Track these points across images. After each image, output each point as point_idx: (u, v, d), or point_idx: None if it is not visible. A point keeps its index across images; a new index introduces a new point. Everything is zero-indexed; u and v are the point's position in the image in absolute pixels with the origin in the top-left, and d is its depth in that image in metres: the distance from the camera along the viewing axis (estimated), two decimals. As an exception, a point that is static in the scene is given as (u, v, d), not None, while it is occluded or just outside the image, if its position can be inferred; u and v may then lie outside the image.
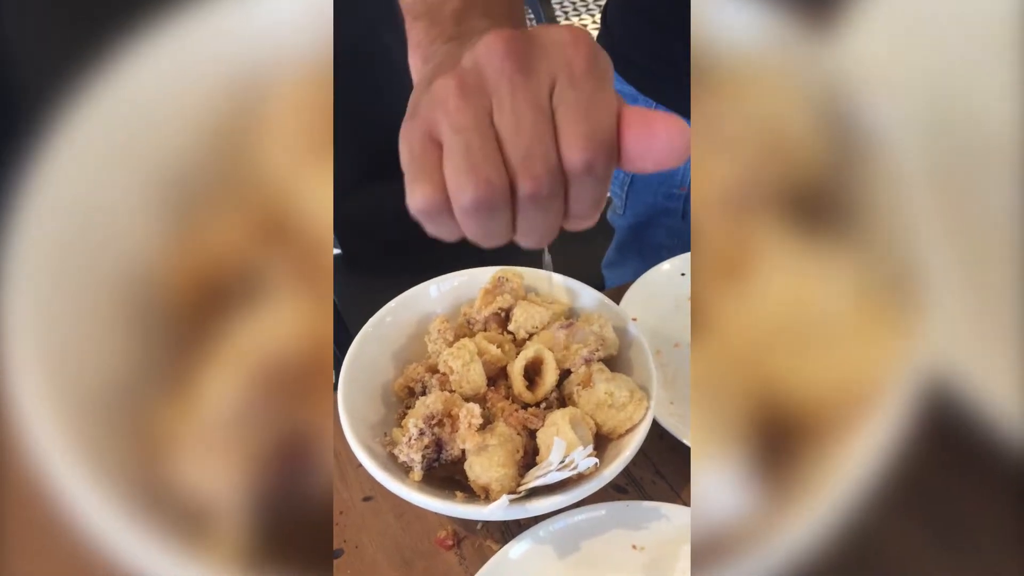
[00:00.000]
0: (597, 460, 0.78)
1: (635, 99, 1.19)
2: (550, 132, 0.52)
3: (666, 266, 1.04)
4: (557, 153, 0.52)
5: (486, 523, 0.83)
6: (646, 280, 1.03)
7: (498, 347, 0.87)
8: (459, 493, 0.79)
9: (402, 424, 0.83)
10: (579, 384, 0.85)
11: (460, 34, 0.60)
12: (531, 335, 0.90)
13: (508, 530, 0.83)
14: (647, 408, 0.83)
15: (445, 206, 0.53)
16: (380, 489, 0.81)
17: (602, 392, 0.83)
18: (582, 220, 0.55)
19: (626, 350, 0.90)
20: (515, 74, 0.52)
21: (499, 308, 0.92)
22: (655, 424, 0.86)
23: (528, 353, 0.86)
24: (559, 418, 0.80)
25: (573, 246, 1.44)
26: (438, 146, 0.53)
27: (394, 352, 0.91)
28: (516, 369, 0.85)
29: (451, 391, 0.84)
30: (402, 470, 0.80)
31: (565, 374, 0.88)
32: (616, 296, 1.00)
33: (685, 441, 0.87)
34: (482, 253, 1.27)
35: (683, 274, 1.04)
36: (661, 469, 0.88)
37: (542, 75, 0.52)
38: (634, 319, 0.93)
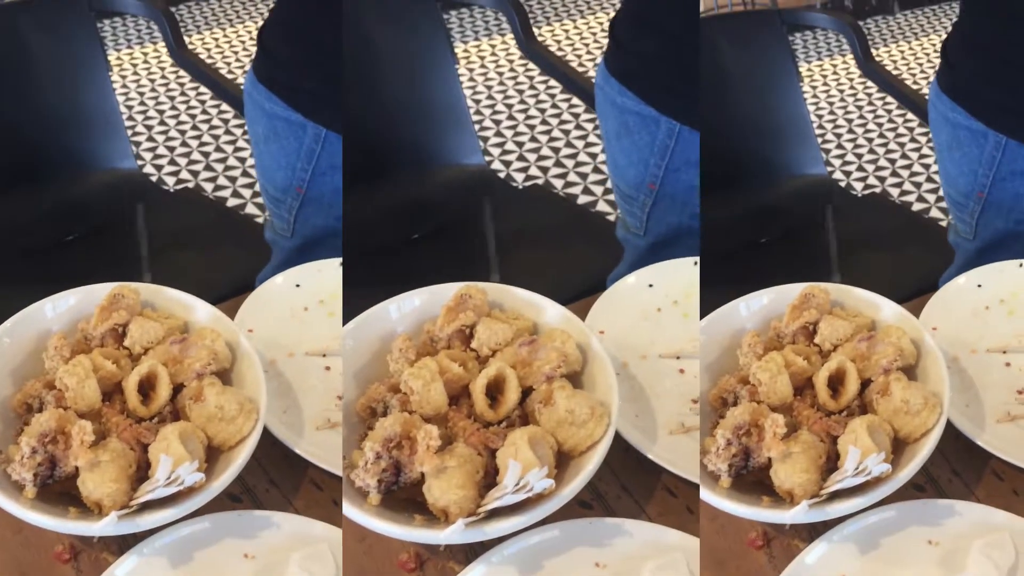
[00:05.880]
0: (552, 482, 0.77)
1: (652, 116, 1.17)
2: None
3: (632, 279, 1.03)
4: None
5: (449, 545, 0.83)
6: (613, 292, 1.03)
7: (461, 365, 0.87)
8: (418, 516, 0.79)
9: (361, 447, 0.82)
10: (540, 402, 0.85)
11: None
12: (494, 352, 0.89)
13: (472, 551, 0.82)
14: (607, 425, 0.83)
15: None
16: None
17: (563, 410, 0.83)
18: None
19: (589, 365, 0.90)
20: None
21: (462, 325, 0.91)
22: (620, 438, 0.86)
23: (489, 371, 0.85)
24: (518, 438, 0.80)
25: (574, 262, 1.43)
26: None
27: (355, 372, 0.89)
28: (478, 388, 0.85)
29: (411, 412, 0.83)
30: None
31: (529, 391, 0.87)
32: (583, 309, 0.99)
33: (649, 455, 0.86)
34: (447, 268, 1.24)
35: (650, 285, 1.03)
36: (626, 484, 0.88)
37: None
38: (601, 332, 0.93)
